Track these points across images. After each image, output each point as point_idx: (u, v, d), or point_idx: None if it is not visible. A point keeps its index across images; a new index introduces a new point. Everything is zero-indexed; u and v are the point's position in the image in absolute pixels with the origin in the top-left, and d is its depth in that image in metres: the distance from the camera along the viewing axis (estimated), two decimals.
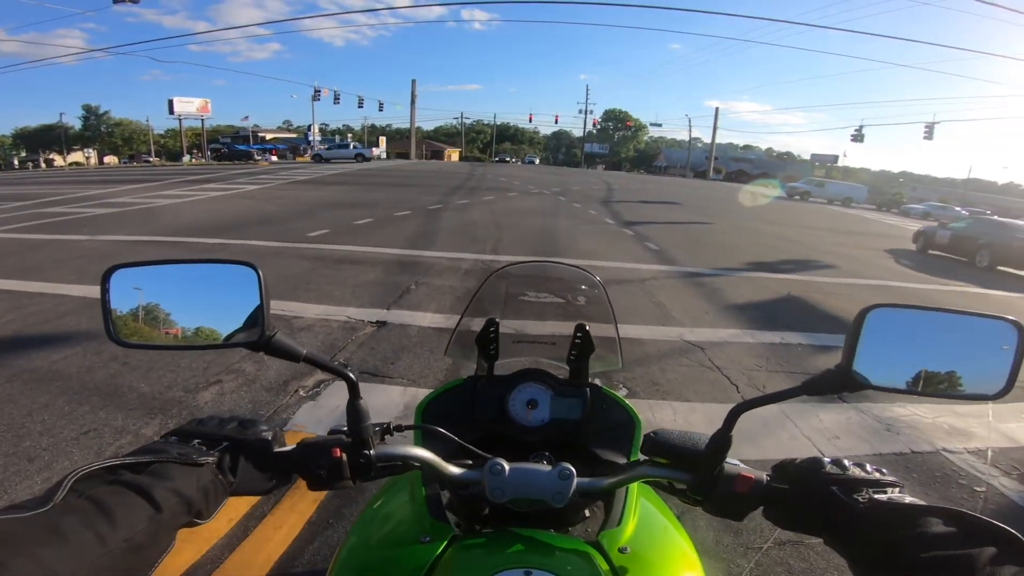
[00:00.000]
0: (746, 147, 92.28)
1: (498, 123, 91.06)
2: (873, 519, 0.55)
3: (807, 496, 0.61)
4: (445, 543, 0.69)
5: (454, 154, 74.74)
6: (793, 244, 12.56)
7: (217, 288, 0.67)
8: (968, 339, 0.63)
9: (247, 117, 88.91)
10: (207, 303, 0.67)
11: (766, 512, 0.65)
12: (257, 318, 0.64)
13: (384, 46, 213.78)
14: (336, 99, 55.73)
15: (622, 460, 0.88)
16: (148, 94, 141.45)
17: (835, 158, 64.58)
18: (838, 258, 10.94)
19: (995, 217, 15.30)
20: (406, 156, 58.24)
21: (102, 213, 11.20)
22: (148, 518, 0.50)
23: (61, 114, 74.02)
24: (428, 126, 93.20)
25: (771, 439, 3.13)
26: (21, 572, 0.39)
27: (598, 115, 78.91)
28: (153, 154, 55.10)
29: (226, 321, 0.65)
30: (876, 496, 0.58)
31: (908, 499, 0.57)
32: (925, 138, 39.19)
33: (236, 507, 2.23)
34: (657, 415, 3.37)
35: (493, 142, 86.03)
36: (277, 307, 4.99)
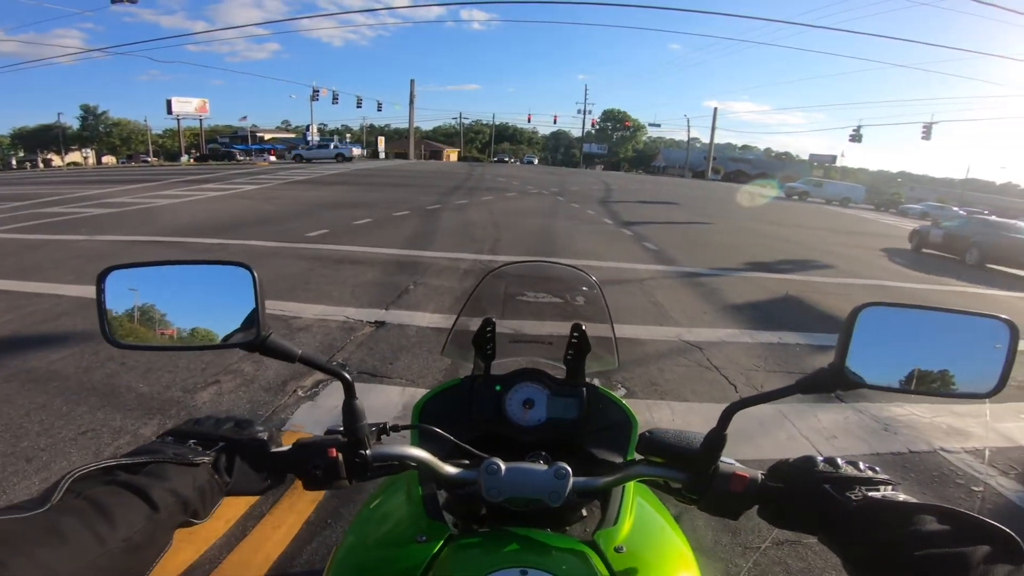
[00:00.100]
0: (744, 147, 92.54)
1: (497, 123, 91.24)
2: (866, 517, 0.55)
3: (800, 494, 0.61)
4: (441, 542, 0.69)
5: (453, 154, 74.74)
6: (791, 244, 12.58)
7: (213, 289, 0.67)
8: (961, 338, 0.64)
9: (245, 117, 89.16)
10: (203, 304, 0.67)
11: (761, 511, 0.65)
12: (253, 319, 0.64)
13: (383, 46, 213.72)
14: (335, 99, 55.78)
15: (619, 459, 0.88)
16: (146, 94, 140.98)
17: (833, 158, 64.73)
18: (836, 258, 10.97)
19: (987, 216, 15.48)
20: (405, 156, 58.20)
21: (100, 213, 11.18)
22: (146, 518, 0.50)
23: (59, 114, 73.94)
24: (427, 126, 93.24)
25: (769, 439, 3.13)
26: (21, 572, 0.39)
27: (597, 115, 79.05)
28: (151, 154, 55.02)
29: (222, 322, 0.65)
30: (870, 494, 0.58)
31: (902, 497, 0.57)
32: (923, 138, 39.30)
33: (235, 507, 2.23)
34: (655, 415, 3.38)
35: (492, 142, 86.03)
36: (276, 307, 4.99)
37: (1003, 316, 0.62)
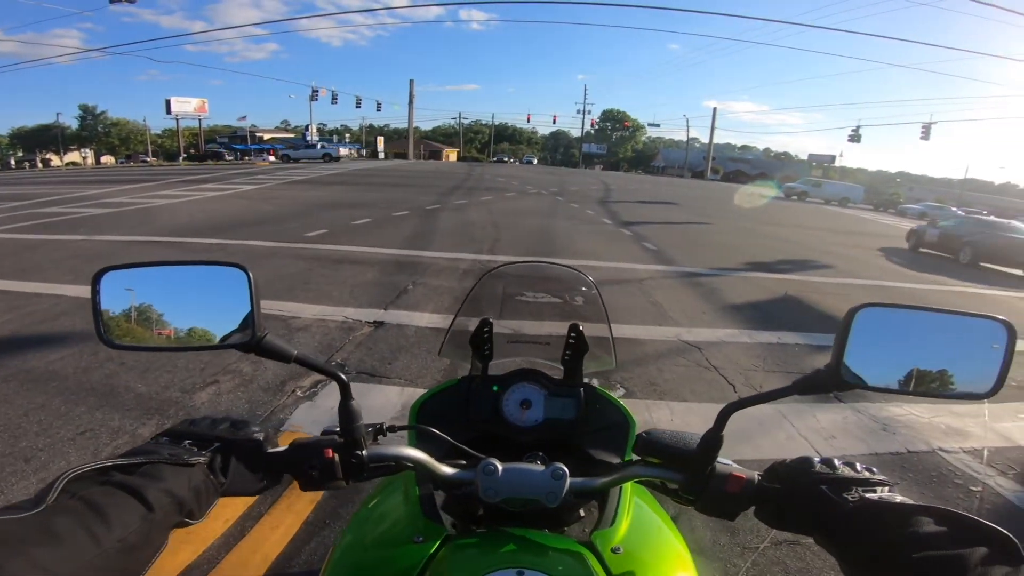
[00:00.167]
0: (744, 147, 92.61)
1: (496, 123, 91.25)
2: (863, 518, 0.55)
3: (797, 495, 0.61)
4: (438, 543, 0.69)
5: (452, 154, 74.73)
6: (790, 244, 12.60)
7: (208, 290, 0.67)
8: (958, 338, 0.63)
9: (244, 117, 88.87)
10: (198, 305, 0.66)
11: (758, 512, 0.65)
12: (249, 320, 0.64)
13: (382, 46, 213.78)
14: (334, 99, 55.81)
15: (616, 460, 0.88)
16: (145, 94, 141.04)
17: (832, 158, 64.79)
18: (834, 258, 10.98)
19: (980, 216, 15.64)
20: (404, 156, 58.20)
21: (99, 213, 11.17)
22: (141, 518, 0.50)
23: (58, 114, 74.09)
24: (426, 126, 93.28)
25: (768, 439, 3.13)
26: (17, 572, 0.40)
27: (596, 115, 79.12)
28: (150, 154, 54.98)
29: (217, 323, 0.65)
30: (866, 495, 0.57)
31: (899, 498, 0.57)
32: (922, 138, 39.39)
33: (233, 507, 2.23)
34: (654, 415, 3.38)
35: (491, 142, 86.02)
36: (275, 307, 4.99)
37: (1000, 317, 0.62)
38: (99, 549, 0.45)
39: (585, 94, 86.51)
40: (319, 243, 8.40)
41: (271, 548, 2.07)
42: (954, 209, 27.82)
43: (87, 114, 59.90)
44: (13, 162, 45.15)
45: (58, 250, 7.37)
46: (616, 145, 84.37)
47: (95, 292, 0.63)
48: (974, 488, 2.80)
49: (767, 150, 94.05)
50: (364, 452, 0.67)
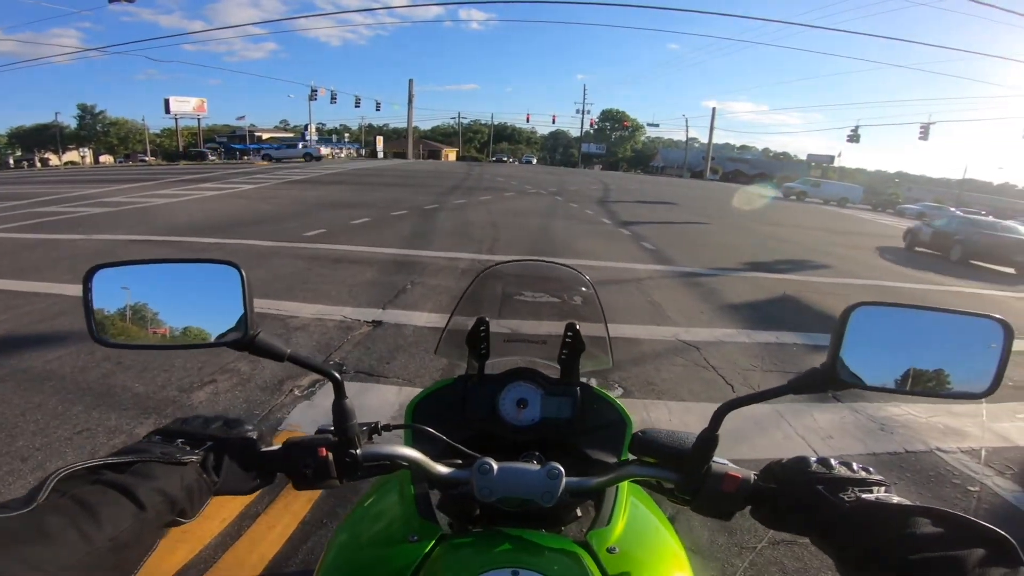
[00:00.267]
0: (743, 147, 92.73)
1: (495, 123, 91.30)
2: (860, 519, 0.55)
3: (793, 495, 0.61)
4: (433, 542, 0.69)
5: (451, 154, 74.71)
6: (789, 244, 12.61)
7: (201, 288, 0.66)
8: (954, 338, 0.63)
9: (243, 116, 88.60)
10: (191, 303, 0.66)
11: (754, 512, 0.65)
12: (243, 318, 0.63)
13: (381, 46, 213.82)
14: (333, 99, 55.83)
15: (613, 459, 0.88)
16: (144, 94, 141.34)
17: (831, 158, 64.79)
18: (833, 257, 11.00)
19: (973, 216, 15.91)
20: (403, 156, 58.19)
21: (97, 212, 11.15)
22: (132, 517, 0.49)
23: (56, 113, 73.80)
24: (425, 126, 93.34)
25: (765, 439, 3.13)
26: (8, 571, 0.39)
27: (595, 115, 79.03)
28: (149, 154, 54.88)
29: (211, 321, 0.65)
30: (863, 496, 0.57)
31: (896, 499, 0.57)
32: (921, 139, 39.42)
33: (230, 507, 2.22)
34: (652, 415, 3.38)
35: (490, 142, 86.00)
36: (273, 306, 4.99)
37: (997, 316, 0.62)
38: (90, 548, 0.45)
39: (584, 94, 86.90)
40: (318, 243, 8.39)
41: (268, 547, 2.06)
42: (952, 209, 27.91)
43: (85, 113, 59.72)
44: (11, 161, 45.09)
45: (56, 249, 7.36)
46: (615, 145, 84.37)
47: (87, 290, 0.62)
48: (972, 488, 2.81)
49: (766, 150, 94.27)
50: (358, 451, 0.67)
